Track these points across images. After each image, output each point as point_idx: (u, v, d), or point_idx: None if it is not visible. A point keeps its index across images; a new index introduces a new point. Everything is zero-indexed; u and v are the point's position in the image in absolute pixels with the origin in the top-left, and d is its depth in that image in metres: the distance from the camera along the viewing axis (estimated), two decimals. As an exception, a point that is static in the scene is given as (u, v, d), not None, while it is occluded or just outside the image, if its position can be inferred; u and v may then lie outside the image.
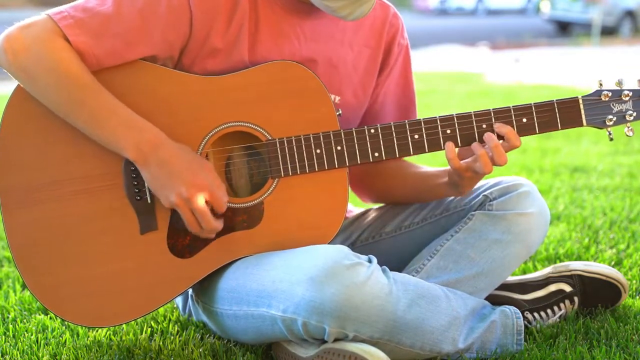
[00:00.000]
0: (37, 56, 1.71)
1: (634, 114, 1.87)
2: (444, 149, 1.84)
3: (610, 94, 1.86)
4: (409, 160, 2.12)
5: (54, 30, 1.72)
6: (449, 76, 9.65)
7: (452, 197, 2.06)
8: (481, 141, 1.84)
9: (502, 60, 11.64)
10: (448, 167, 1.94)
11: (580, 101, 1.86)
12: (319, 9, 1.88)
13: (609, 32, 16.37)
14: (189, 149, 1.77)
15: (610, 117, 1.86)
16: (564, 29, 18.50)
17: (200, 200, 1.73)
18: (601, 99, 1.86)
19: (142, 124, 1.75)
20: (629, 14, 17.53)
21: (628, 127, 1.87)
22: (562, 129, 1.86)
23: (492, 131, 1.83)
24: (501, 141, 1.83)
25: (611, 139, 1.87)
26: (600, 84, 1.88)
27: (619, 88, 1.87)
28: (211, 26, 1.80)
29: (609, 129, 1.87)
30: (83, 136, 1.78)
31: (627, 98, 1.86)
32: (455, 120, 1.84)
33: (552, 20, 18.81)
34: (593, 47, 13.94)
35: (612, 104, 1.87)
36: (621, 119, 1.87)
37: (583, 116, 1.86)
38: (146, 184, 1.79)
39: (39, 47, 1.71)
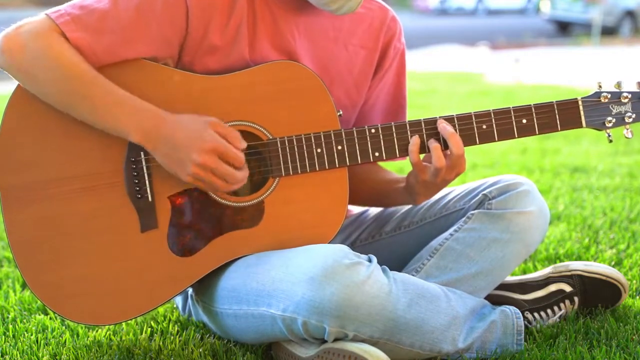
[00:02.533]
0: (35, 53, 1.72)
1: (633, 115, 1.87)
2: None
3: (609, 96, 1.87)
4: (380, 165, 2.12)
5: (51, 28, 1.73)
6: (449, 76, 9.65)
7: (451, 197, 2.06)
8: (479, 142, 1.84)
9: (502, 60, 11.64)
10: (407, 174, 1.94)
11: (580, 103, 1.86)
12: (314, 7, 1.88)
13: (609, 32, 16.36)
14: (188, 116, 1.76)
15: (610, 118, 1.87)
16: (564, 29, 18.51)
17: (215, 161, 1.72)
18: (600, 101, 1.87)
19: (142, 105, 1.74)
20: (629, 14, 17.54)
21: (627, 129, 1.88)
22: (561, 130, 1.86)
23: (491, 132, 1.84)
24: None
25: (610, 141, 1.88)
26: (600, 86, 1.88)
27: (618, 90, 1.87)
28: (208, 22, 1.80)
29: (608, 130, 1.88)
30: (84, 134, 1.78)
31: (626, 100, 1.87)
32: (456, 120, 1.84)
33: (552, 20, 18.81)
34: (593, 47, 13.94)
35: (612, 106, 1.87)
36: (620, 121, 1.87)
37: (582, 118, 1.86)
38: (146, 180, 1.79)
39: (35, 44, 1.72)
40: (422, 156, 1.86)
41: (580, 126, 1.87)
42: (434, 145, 1.82)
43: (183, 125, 1.74)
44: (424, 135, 1.84)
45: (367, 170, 2.08)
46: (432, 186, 1.89)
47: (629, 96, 1.87)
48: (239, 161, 1.74)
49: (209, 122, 1.74)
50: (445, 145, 1.83)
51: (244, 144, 1.76)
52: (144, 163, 1.79)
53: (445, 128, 1.82)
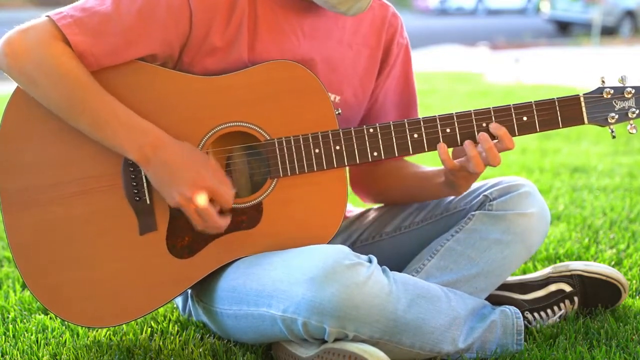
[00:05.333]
0: (38, 60, 1.71)
1: (637, 111, 1.85)
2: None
3: (612, 91, 1.85)
4: (408, 160, 2.12)
5: (53, 33, 1.73)
6: (449, 76, 9.64)
7: (451, 197, 2.06)
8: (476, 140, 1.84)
9: (502, 60, 11.63)
10: (443, 167, 1.94)
11: (582, 99, 1.85)
12: (318, 7, 1.88)
13: (609, 32, 16.35)
14: (191, 147, 1.77)
15: (613, 114, 1.85)
16: (564, 29, 18.50)
17: (203, 199, 1.73)
18: (603, 97, 1.85)
19: (144, 125, 1.75)
20: (629, 14, 17.52)
21: (631, 125, 1.86)
22: (563, 127, 1.84)
23: (488, 131, 1.83)
24: (495, 141, 1.82)
25: (613, 137, 1.86)
26: (603, 81, 1.86)
27: (621, 85, 1.85)
28: (210, 25, 1.80)
29: (611, 126, 1.86)
30: (83, 137, 1.78)
31: (629, 95, 1.85)
32: (455, 119, 1.83)
33: (552, 20, 18.80)
34: (593, 47, 13.93)
35: (615, 102, 1.85)
36: (624, 117, 1.85)
37: (584, 114, 1.85)
38: (144, 183, 1.79)
39: (39, 50, 1.71)
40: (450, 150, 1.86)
41: (582, 123, 1.85)
42: (472, 154, 1.80)
43: (182, 154, 1.75)
44: (423, 134, 1.83)
45: (399, 167, 2.08)
46: (471, 177, 1.89)
47: (633, 91, 1.85)
48: (226, 204, 1.76)
49: (210, 161, 1.76)
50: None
51: (233, 192, 1.77)
52: (142, 165, 1.79)
53: (487, 139, 1.79)
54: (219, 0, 1.80)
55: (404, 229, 2.11)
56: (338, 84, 1.94)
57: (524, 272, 2.41)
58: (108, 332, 2.04)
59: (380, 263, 1.80)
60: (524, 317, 2.01)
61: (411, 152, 1.84)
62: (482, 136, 1.81)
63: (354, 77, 1.98)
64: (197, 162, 1.75)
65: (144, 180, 1.80)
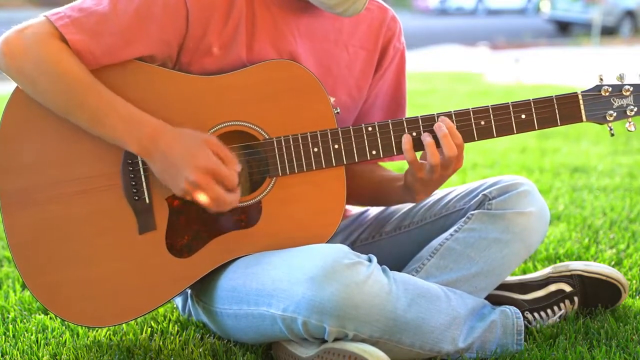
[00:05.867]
0: (36, 58, 1.72)
1: (635, 108, 1.85)
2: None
3: (610, 89, 1.85)
4: (381, 165, 2.12)
5: (51, 32, 1.73)
6: (449, 76, 9.64)
7: (451, 197, 2.06)
8: (477, 138, 1.83)
9: (502, 60, 11.64)
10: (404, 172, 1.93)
11: (580, 96, 1.85)
12: (315, 8, 1.88)
13: (609, 32, 16.36)
14: (188, 132, 1.75)
15: (611, 112, 1.85)
16: (564, 29, 18.51)
17: (208, 181, 1.71)
18: (601, 94, 1.86)
19: (141, 117, 1.74)
20: (629, 14, 17.54)
21: (629, 122, 1.86)
22: (561, 124, 1.85)
23: (490, 128, 1.83)
24: (446, 132, 1.79)
25: (612, 135, 1.87)
26: (601, 79, 1.86)
27: (619, 83, 1.85)
28: (208, 24, 1.80)
29: (609, 124, 1.87)
30: (82, 137, 1.78)
31: (627, 93, 1.85)
32: (454, 117, 1.83)
33: (552, 20, 18.82)
34: (593, 47, 13.93)
35: (613, 99, 1.86)
36: (622, 114, 1.86)
37: (583, 111, 1.85)
38: (143, 183, 1.79)
39: (36, 49, 1.72)
40: (420, 154, 1.86)
41: (581, 120, 1.85)
42: (427, 141, 1.81)
43: (181, 140, 1.74)
44: (421, 133, 1.83)
45: (365, 170, 2.08)
46: (430, 183, 1.88)
47: (631, 89, 1.85)
48: (232, 182, 1.74)
49: (206, 140, 1.74)
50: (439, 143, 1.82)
51: (239, 167, 1.75)
52: (140, 165, 1.79)
53: (440, 127, 1.81)
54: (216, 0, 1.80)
55: (404, 229, 2.11)
56: (331, 86, 1.94)
57: (524, 272, 2.41)
58: (108, 332, 2.04)
59: (380, 262, 1.80)
60: (524, 317, 2.01)
61: (410, 151, 1.84)
62: (437, 125, 1.81)
63: (349, 79, 1.98)
64: (195, 145, 1.73)
65: (143, 180, 1.80)
